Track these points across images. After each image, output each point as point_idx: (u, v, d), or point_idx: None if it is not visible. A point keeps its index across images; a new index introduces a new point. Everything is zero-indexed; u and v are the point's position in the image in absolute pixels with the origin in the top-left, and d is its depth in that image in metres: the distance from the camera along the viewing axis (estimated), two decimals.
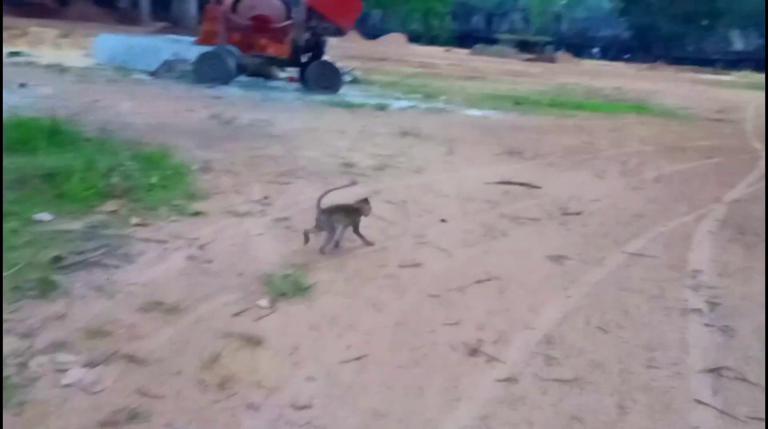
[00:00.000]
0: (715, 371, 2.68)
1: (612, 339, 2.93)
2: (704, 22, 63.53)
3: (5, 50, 13.53)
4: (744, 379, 2.63)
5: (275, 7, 11.69)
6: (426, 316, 3.02)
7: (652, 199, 5.76)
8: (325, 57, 13.30)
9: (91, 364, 2.39)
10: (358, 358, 2.58)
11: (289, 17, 11.81)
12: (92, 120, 7.26)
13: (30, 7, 44.03)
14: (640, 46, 66.60)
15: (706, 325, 3.14)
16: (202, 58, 11.54)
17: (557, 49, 54.28)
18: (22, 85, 9.20)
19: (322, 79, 11.97)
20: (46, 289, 2.93)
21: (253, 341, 2.64)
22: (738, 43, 70.05)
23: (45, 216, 3.86)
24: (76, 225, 3.80)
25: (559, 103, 13.68)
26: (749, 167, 7.70)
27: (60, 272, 3.13)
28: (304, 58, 12.31)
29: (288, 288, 3.14)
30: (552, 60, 43.66)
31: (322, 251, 3.67)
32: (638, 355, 2.78)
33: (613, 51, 65.25)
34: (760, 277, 3.89)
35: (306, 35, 12.11)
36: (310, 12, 11.86)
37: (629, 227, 4.75)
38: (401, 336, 2.80)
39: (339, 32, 12.80)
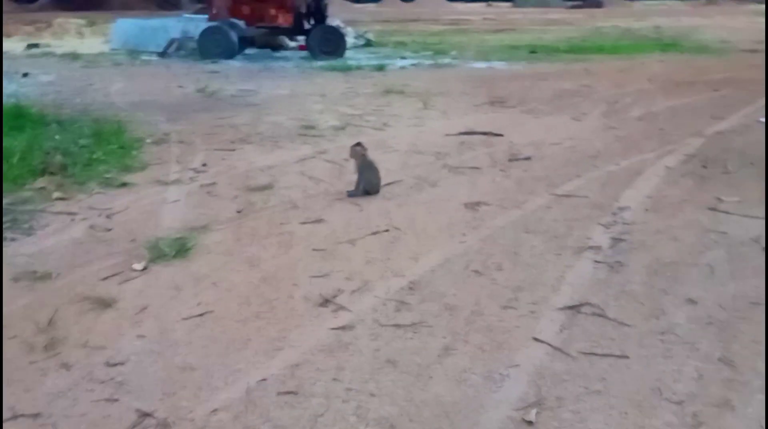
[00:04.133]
0: (574, 308, 2.53)
1: (482, 281, 2.80)
2: None
3: (26, 43, 14.08)
4: (601, 315, 2.47)
5: None
6: (298, 271, 2.97)
7: (621, 137, 5.45)
8: (336, 22, 13.18)
9: None
10: (200, 315, 2.57)
11: None
12: (77, 102, 7.49)
13: (76, 0, 45.60)
14: None
15: (597, 262, 2.96)
16: (205, 33, 11.64)
17: None
18: (25, 75, 9.54)
19: (325, 44, 11.86)
20: None
21: (105, 303, 2.66)
22: None
23: None
24: None
25: (578, 49, 13.08)
26: (755, 98, 7.14)
27: None
28: (307, 25, 12.19)
29: (170, 250, 3.15)
30: (599, 5, 41.68)
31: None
32: (500, 297, 2.65)
33: None
34: (695, 210, 3.64)
35: (307, 1, 11.98)
36: None
37: (575, 169, 4.51)
38: (260, 291, 2.77)
39: None
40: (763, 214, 3.47)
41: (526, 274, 2.86)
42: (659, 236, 3.23)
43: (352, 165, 4.21)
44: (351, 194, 3.99)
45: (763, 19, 24.32)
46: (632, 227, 3.37)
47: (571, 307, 2.53)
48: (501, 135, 5.53)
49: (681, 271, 2.83)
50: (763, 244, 3.08)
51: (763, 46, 13.15)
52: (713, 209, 3.61)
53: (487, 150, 5.11)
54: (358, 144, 4.04)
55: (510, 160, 4.75)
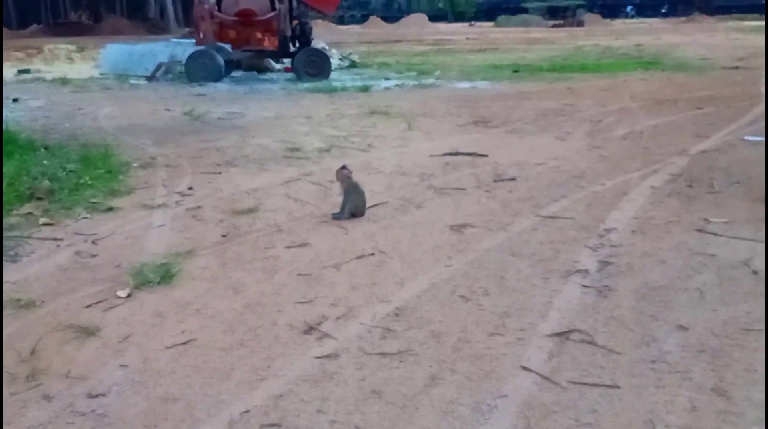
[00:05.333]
0: (563, 335, 2.51)
1: (469, 307, 2.78)
2: None
3: (16, 69, 14.03)
4: (591, 342, 2.45)
5: (258, 0, 11.68)
6: (283, 296, 2.94)
7: (605, 157, 5.48)
8: (321, 44, 13.27)
9: None
10: (183, 343, 2.53)
11: (273, 9, 11.78)
12: (66, 127, 7.47)
13: (67, 26, 45.82)
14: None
15: (584, 286, 2.95)
16: (192, 57, 11.68)
17: (590, 11, 52.74)
18: (15, 100, 9.50)
19: (310, 66, 11.93)
20: None
21: (88, 332, 2.62)
22: None
23: None
24: None
25: (560, 68, 13.26)
26: (738, 116, 7.25)
27: None
28: (292, 48, 12.24)
29: (155, 277, 3.12)
30: (580, 24, 42.50)
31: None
32: (488, 323, 2.63)
33: (650, 7, 62.69)
34: (682, 231, 3.64)
35: (292, 25, 12.06)
36: (293, 1, 11.79)
37: (560, 189, 4.52)
38: (244, 318, 2.74)
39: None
40: (751, 235, 3.49)
41: (513, 299, 2.85)
42: (647, 259, 3.23)
43: (337, 187, 4.20)
44: (336, 217, 3.99)
45: (740, 36, 24.90)
46: (619, 250, 3.37)
47: (559, 334, 2.52)
48: (485, 155, 5.56)
49: (670, 295, 2.82)
50: (753, 267, 3.07)
51: (743, 63, 13.41)
52: (701, 230, 3.62)
53: (472, 171, 5.12)
54: (344, 167, 4.04)
55: (495, 181, 4.77)
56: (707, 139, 6.09)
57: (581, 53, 17.72)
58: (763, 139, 5.90)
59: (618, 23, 44.04)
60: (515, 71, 12.73)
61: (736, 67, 12.76)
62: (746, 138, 6.06)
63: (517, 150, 5.83)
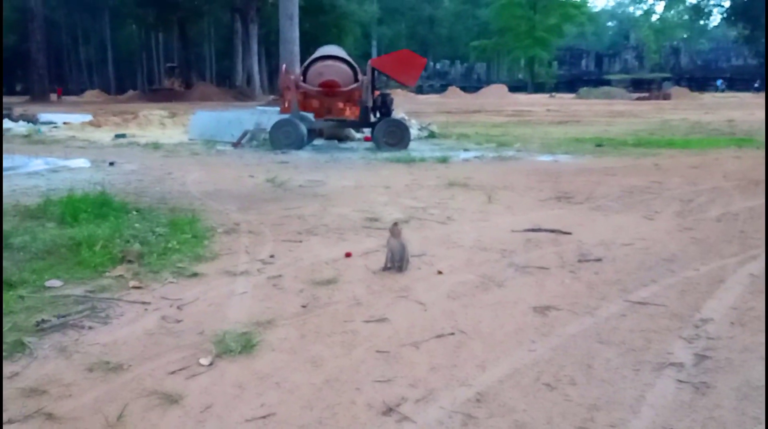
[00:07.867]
0: None
1: (555, 397, 2.65)
2: None
3: (114, 133, 15.11)
4: None
5: (342, 72, 12.19)
6: (361, 374, 2.90)
7: (698, 240, 5.23)
8: (401, 115, 13.60)
9: (9, 422, 2.52)
10: (263, 417, 2.52)
11: (356, 80, 12.24)
12: (156, 191, 7.87)
13: (161, 92, 49.64)
14: None
15: (680, 381, 2.76)
16: (276, 125, 12.21)
17: (677, 84, 51.92)
18: (111, 164, 10.18)
19: (389, 136, 12.19)
20: (14, 350, 3.15)
21: (172, 399, 2.66)
22: None
23: (55, 282, 4.18)
24: (79, 290, 4.07)
25: (646, 142, 12.96)
26: None
27: (36, 334, 3.35)
28: (373, 118, 12.60)
29: (236, 346, 3.16)
30: (666, 97, 41.75)
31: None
32: (576, 415, 2.49)
33: (742, 81, 61.12)
34: None
35: (373, 96, 12.46)
36: (375, 73, 12.22)
37: (650, 273, 4.33)
38: (323, 394, 2.71)
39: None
40: None
41: (602, 391, 2.69)
42: (748, 355, 3.00)
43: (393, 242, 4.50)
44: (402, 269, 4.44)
45: None
46: (717, 343, 3.15)
47: None
48: (569, 233, 5.42)
49: None
50: None
51: None
52: None
53: (555, 249, 4.99)
54: (395, 224, 4.58)
55: (580, 261, 4.62)
56: None
57: (668, 127, 17.33)
58: None
59: (707, 97, 42.99)
60: (598, 145, 12.55)
61: None
62: None
63: (602, 228, 5.67)
